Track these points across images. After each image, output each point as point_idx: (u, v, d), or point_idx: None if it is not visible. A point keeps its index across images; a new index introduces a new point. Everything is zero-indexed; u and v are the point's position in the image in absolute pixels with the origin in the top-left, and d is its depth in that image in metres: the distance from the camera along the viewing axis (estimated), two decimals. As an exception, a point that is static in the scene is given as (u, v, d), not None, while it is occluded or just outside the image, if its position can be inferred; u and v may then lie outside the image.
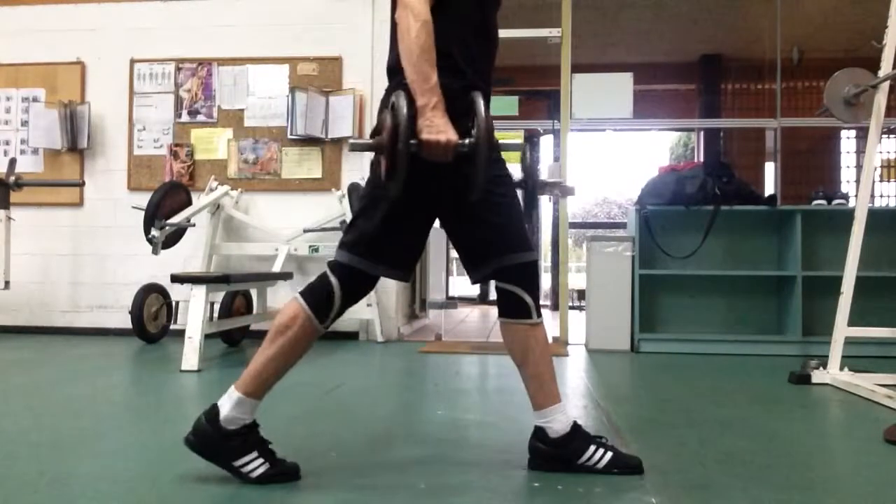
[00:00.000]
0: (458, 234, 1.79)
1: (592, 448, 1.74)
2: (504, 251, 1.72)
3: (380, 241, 1.70)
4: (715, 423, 2.40)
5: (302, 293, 1.72)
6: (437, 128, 1.54)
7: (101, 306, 4.92)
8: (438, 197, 1.71)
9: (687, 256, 4.30)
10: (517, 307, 1.74)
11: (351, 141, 1.65)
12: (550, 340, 4.84)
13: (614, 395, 2.98)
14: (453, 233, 1.80)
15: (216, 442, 1.64)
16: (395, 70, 1.66)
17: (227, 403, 1.66)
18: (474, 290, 9.18)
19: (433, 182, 1.65)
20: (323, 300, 1.70)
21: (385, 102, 1.68)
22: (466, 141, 1.56)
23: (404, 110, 1.53)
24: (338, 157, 4.78)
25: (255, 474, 1.64)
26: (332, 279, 1.71)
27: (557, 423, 1.75)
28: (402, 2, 1.59)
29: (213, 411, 1.66)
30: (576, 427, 1.76)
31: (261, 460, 1.65)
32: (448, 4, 1.64)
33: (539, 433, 1.77)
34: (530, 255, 1.75)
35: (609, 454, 1.74)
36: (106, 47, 4.98)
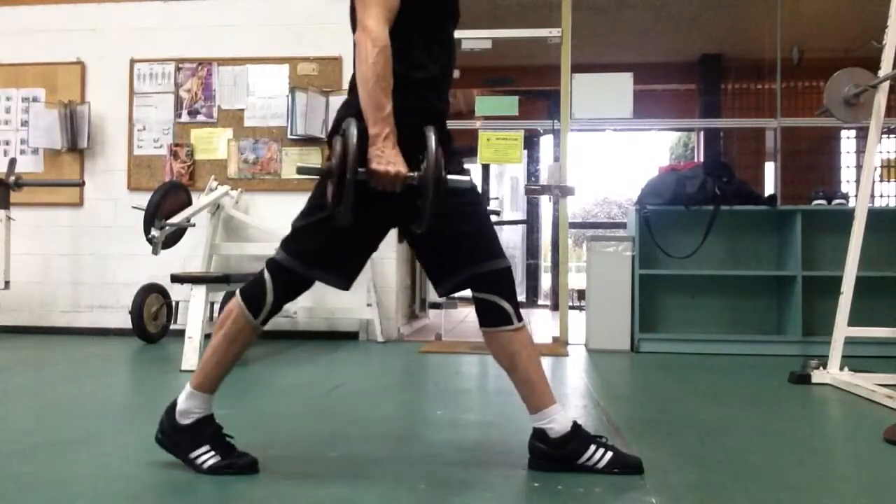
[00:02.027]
0: (422, 247, 1.79)
1: (593, 448, 1.74)
2: (474, 260, 1.71)
3: (323, 251, 1.71)
4: (715, 423, 2.40)
5: (241, 289, 1.76)
6: (387, 158, 1.53)
7: (101, 306, 4.92)
8: (394, 217, 1.73)
9: (687, 256, 4.30)
10: (497, 315, 1.73)
11: (299, 165, 1.62)
12: (550, 340, 4.84)
13: (614, 395, 2.98)
14: (417, 246, 1.79)
15: (172, 434, 1.74)
16: (355, 87, 1.63)
17: (182, 396, 1.75)
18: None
19: (387, 206, 1.64)
20: (255, 297, 1.73)
21: (337, 123, 1.66)
22: (415, 174, 1.54)
23: (354, 140, 1.52)
24: (338, 157, 4.77)
25: (205, 465, 1.70)
26: (267, 277, 1.73)
27: (556, 423, 1.74)
28: (361, 24, 1.57)
29: (172, 405, 1.76)
30: (576, 427, 1.76)
31: (212, 453, 1.71)
32: (407, 22, 1.62)
33: (539, 434, 1.77)
34: (502, 262, 1.74)
35: (609, 454, 1.74)
36: (106, 47, 4.98)
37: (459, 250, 1.72)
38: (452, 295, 1.81)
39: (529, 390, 1.77)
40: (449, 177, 1.59)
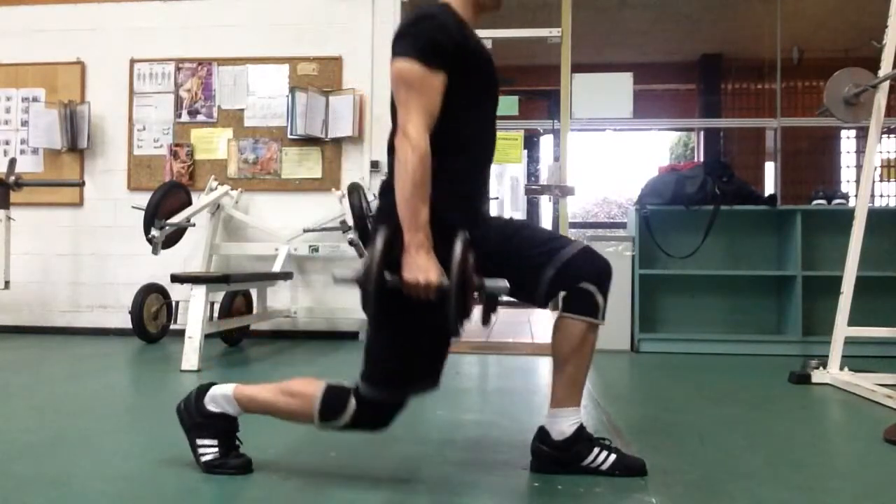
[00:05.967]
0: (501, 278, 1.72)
1: (596, 451, 1.73)
2: (548, 259, 1.67)
3: (405, 365, 1.66)
4: (715, 423, 2.41)
5: (328, 387, 1.67)
6: (420, 267, 1.51)
7: (101, 306, 4.92)
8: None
9: (687, 256, 4.30)
10: (586, 304, 1.67)
11: (336, 273, 1.60)
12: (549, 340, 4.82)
13: (614, 395, 2.98)
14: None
15: (194, 414, 1.74)
16: (389, 189, 1.59)
17: (221, 389, 1.74)
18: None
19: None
20: (333, 410, 1.65)
21: (373, 229, 1.63)
22: (447, 282, 1.51)
23: (380, 250, 1.52)
24: (338, 157, 4.77)
25: (204, 459, 1.72)
26: (352, 403, 1.65)
27: (565, 424, 1.72)
28: (402, 130, 1.55)
29: (207, 386, 1.76)
30: (580, 429, 1.74)
31: (215, 448, 1.72)
32: (454, 113, 1.60)
33: (542, 435, 1.75)
34: (576, 247, 1.69)
35: (613, 456, 1.73)
36: (106, 47, 4.97)
37: (531, 261, 1.67)
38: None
39: (568, 385, 1.72)
40: (486, 282, 1.55)
